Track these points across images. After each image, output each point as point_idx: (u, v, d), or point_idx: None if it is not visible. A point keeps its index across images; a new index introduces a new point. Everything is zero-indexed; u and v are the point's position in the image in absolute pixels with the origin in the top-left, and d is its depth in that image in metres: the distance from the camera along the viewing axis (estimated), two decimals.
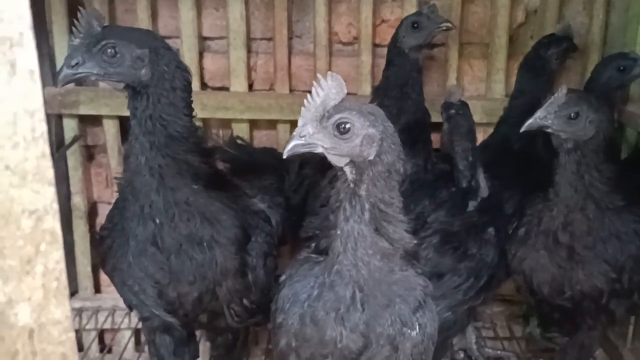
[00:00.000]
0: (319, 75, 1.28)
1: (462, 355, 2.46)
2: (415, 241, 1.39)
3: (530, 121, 1.74)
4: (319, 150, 1.30)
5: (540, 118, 1.72)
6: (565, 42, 2.38)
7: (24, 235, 0.71)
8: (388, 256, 1.34)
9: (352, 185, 1.32)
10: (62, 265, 0.74)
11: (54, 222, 0.73)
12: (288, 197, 2.16)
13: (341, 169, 1.33)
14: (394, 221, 1.33)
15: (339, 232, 1.33)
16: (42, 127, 0.70)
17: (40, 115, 0.70)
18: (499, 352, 2.46)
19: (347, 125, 1.27)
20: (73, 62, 1.48)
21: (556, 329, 2.25)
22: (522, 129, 1.76)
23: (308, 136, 1.29)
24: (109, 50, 1.50)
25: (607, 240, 1.78)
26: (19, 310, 0.73)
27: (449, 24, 2.23)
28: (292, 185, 2.23)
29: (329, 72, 1.28)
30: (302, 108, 1.29)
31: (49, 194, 0.72)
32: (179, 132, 1.59)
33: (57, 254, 0.74)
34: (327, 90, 1.28)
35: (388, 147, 1.30)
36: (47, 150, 0.71)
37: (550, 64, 2.36)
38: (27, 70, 0.69)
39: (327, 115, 1.28)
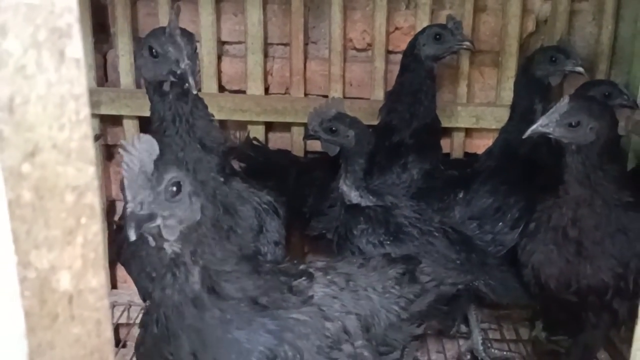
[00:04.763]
0: (123, 142, 1.13)
1: (469, 356, 2.50)
2: None
3: (532, 128, 1.81)
4: (158, 222, 1.11)
5: (542, 126, 1.80)
6: (550, 52, 2.38)
7: (67, 208, 0.77)
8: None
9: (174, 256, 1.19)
10: (100, 238, 0.80)
11: (93, 198, 0.79)
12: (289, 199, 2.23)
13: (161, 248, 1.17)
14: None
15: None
16: (86, 111, 0.76)
17: (84, 99, 0.76)
18: (505, 352, 2.50)
19: (179, 183, 1.13)
20: None
21: (561, 332, 2.28)
22: (525, 135, 1.84)
23: (147, 205, 1.10)
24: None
25: (614, 236, 1.83)
26: (61, 277, 0.79)
27: (469, 44, 2.30)
28: (293, 189, 2.33)
29: (136, 136, 1.14)
30: (125, 182, 1.10)
31: (90, 172, 0.78)
32: (211, 122, 1.68)
33: (96, 227, 0.80)
34: (140, 154, 1.11)
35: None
36: (90, 132, 0.77)
37: (536, 71, 2.37)
38: (73, 58, 0.76)
39: (154, 180, 1.11)
